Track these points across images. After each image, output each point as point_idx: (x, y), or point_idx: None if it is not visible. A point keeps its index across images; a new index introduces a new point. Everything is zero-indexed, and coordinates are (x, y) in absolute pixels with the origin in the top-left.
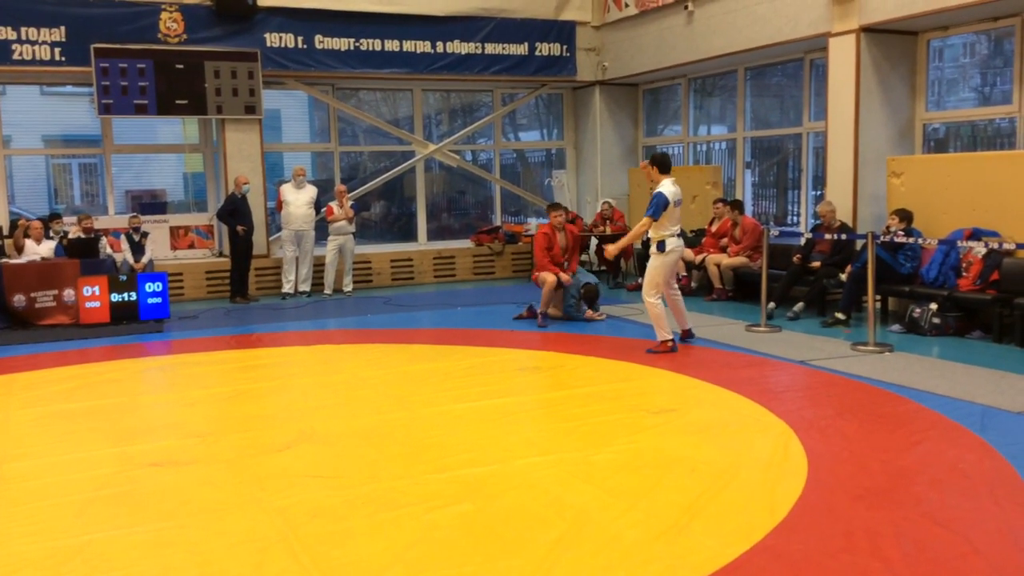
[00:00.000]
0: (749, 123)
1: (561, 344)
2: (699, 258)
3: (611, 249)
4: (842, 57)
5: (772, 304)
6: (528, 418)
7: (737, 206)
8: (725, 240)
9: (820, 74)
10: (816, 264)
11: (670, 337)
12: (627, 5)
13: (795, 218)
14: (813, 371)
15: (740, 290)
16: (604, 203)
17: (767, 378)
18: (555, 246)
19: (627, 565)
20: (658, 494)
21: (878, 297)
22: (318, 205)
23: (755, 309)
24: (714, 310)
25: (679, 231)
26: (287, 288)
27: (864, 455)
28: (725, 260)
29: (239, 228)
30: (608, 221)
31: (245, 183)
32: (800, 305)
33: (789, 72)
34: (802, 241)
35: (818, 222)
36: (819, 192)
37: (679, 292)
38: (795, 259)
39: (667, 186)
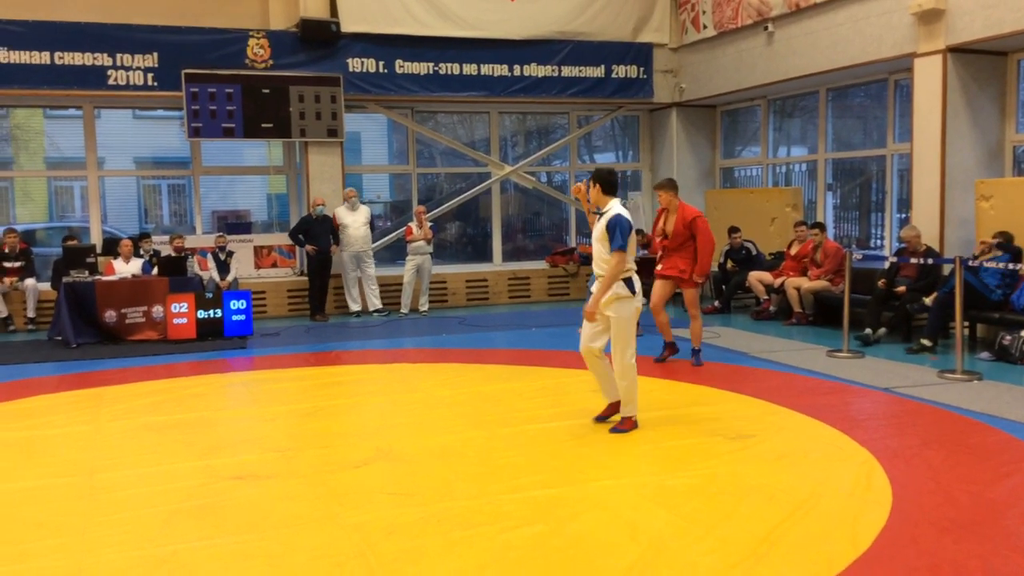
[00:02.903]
0: (831, 144)
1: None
2: (779, 282)
3: (592, 306)
4: (928, 78)
5: (883, 330)
6: (602, 440)
7: (819, 229)
8: (805, 263)
9: (904, 95)
10: (901, 289)
11: (636, 414)
12: (705, 27)
13: (879, 241)
14: (898, 399)
15: (821, 314)
16: None
17: (849, 405)
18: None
19: None
20: (735, 521)
21: (966, 324)
22: (373, 225)
23: (836, 334)
24: (794, 334)
25: (635, 266)
26: (354, 307)
27: (951, 486)
28: (805, 284)
29: (308, 248)
30: None
31: (320, 204)
32: (883, 330)
33: (872, 93)
34: (886, 265)
35: (902, 246)
36: (904, 215)
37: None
38: (880, 284)
39: (620, 208)
